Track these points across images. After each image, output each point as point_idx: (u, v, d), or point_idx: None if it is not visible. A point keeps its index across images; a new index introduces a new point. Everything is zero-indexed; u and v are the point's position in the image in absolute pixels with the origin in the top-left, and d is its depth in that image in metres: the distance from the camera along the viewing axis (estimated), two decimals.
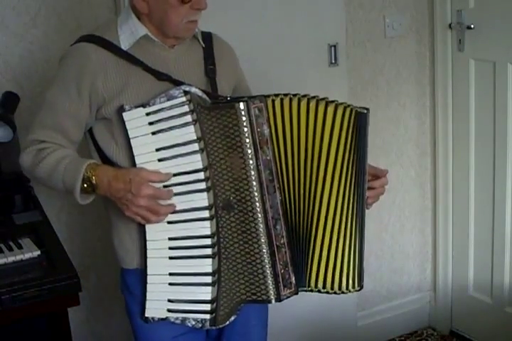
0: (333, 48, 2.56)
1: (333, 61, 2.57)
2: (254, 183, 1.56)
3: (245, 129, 1.54)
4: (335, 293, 1.67)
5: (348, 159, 1.59)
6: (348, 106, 1.57)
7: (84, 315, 2.47)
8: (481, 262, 2.81)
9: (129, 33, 1.64)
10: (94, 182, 1.56)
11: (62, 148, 1.63)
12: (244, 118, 1.53)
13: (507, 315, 2.72)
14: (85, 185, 1.56)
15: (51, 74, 2.22)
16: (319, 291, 1.67)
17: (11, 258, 1.72)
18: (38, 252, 1.75)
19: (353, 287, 1.67)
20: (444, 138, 2.86)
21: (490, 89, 2.60)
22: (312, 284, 1.67)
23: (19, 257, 1.72)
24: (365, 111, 1.58)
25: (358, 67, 2.73)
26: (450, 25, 2.71)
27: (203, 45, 1.75)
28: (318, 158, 1.59)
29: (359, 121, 1.57)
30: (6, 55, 2.19)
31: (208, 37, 1.79)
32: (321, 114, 1.57)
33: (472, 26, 2.62)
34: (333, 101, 1.58)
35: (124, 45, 1.63)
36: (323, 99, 1.59)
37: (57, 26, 2.22)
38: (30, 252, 1.74)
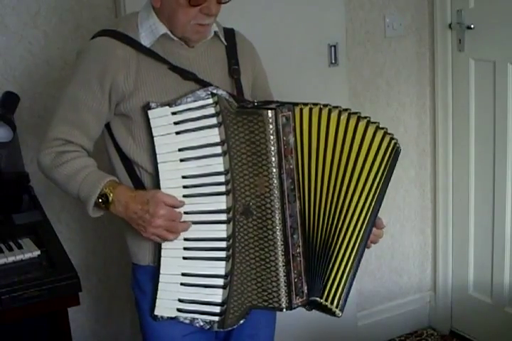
0: (333, 48, 2.56)
1: (333, 61, 2.57)
2: (276, 191, 1.55)
3: (271, 137, 1.52)
4: (326, 309, 1.61)
5: (377, 184, 1.60)
6: (382, 129, 1.60)
7: (84, 315, 2.47)
8: (481, 262, 2.81)
9: (149, 31, 1.63)
10: (110, 199, 1.56)
11: (84, 155, 1.62)
12: (271, 126, 1.52)
13: (507, 315, 2.72)
14: (100, 200, 1.56)
15: (51, 75, 2.22)
16: (320, 304, 1.62)
17: (11, 258, 1.72)
18: (38, 252, 1.75)
19: (337, 306, 1.61)
20: (444, 138, 2.86)
21: (490, 89, 2.60)
22: (323, 296, 1.62)
23: (19, 257, 1.72)
24: (399, 147, 1.62)
25: (358, 67, 2.73)
26: (450, 25, 2.71)
27: (225, 43, 1.74)
28: (347, 173, 1.59)
29: (395, 153, 1.61)
30: (6, 55, 2.19)
31: (230, 34, 1.77)
32: (359, 132, 1.58)
33: (472, 26, 2.62)
34: (365, 118, 1.59)
35: (145, 43, 1.62)
36: (355, 113, 1.59)
37: (57, 26, 2.22)
38: (30, 252, 1.74)
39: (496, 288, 2.75)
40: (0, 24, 2.16)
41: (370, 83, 2.77)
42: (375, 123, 1.59)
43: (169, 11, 1.60)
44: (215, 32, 1.70)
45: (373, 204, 1.61)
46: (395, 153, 1.61)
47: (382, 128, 1.60)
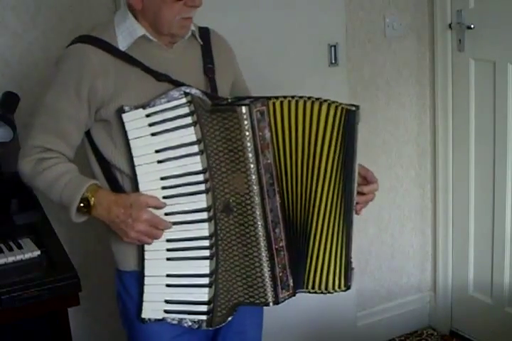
0: (333, 48, 2.56)
1: (333, 61, 2.57)
2: (255, 187, 1.56)
3: (247, 133, 1.53)
4: (322, 292, 1.69)
5: (338, 159, 1.59)
6: (340, 104, 1.57)
7: (85, 315, 2.47)
8: (481, 262, 2.81)
9: (127, 33, 1.62)
10: (92, 203, 1.56)
11: (65, 161, 1.62)
12: (246, 122, 1.53)
13: (507, 315, 2.72)
14: (82, 205, 1.56)
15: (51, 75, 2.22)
16: (309, 292, 1.69)
17: (11, 258, 1.72)
18: (38, 252, 1.75)
19: (339, 287, 1.69)
20: (444, 138, 2.86)
21: (490, 89, 2.60)
22: (308, 286, 1.68)
23: (19, 257, 1.72)
24: (354, 109, 1.57)
25: (358, 67, 2.73)
26: (450, 25, 2.71)
27: (201, 43, 1.74)
28: (313, 159, 1.60)
29: (347, 119, 1.57)
30: (6, 55, 2.19)
31: (205, 33, 1.77)
32: (315, 114, 1.57)
33: (472, 26, 2.62)
34: (326, 101, 1.57)
35: (122, 46, 1.62)
36: (318, 99, 1.58)
37: (57, 26, 2.22)
38: (30, 252, 1.74)
39: (495, 288, 2.75)
40: (0, 24, 2.16)
41: (370, 83, 2.77)
42: (334, 102, 1.57)
43: (153, 10, 1.59)
44: (192, 31, 1.70)
45: (339, 178, 1.60)
46: (347, 116, 1.57)
47: (334, 102, 1.57)
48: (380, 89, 2.80)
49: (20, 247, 1.77)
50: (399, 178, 2.92)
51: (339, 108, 1.57)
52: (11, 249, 1.76)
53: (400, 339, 3.04)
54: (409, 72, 2.85)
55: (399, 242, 3.00)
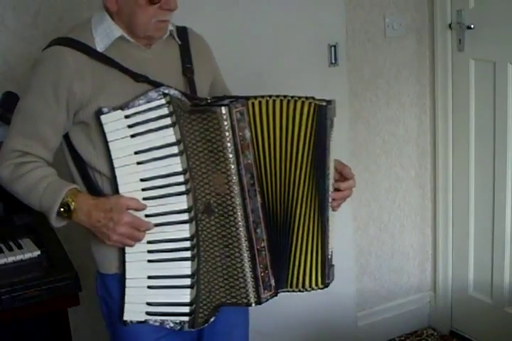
0: (333, 48, 2.56)
1: (333, 61, 2.57)
2: (236, 188, 1.55)
3: (227, 134, 1.52)
4: (300, 291, 1.68)
5: (310, 155, 1.59)
6: (313, 100, 1.57)
7: (84, 315, 2.47)
8: (481, 262, 2.81)
9: (104, 34, 1.60)
10: (72, 208, 1.55)
11: (43, 165, 1.61)
12: (226, 123, 1.51)
13: (507, 315, 2.72)
14: (62, 209, 1.55)
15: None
16: (288, 291, 1.68)
17: (11, 258, 1.72)
18: (38, 252, 1.75)
19: (316, 285, 1.68)
20: (444, 138, 2.86)
21: (490, 89, 2.60)
22: (290, 285, 1.68)
23: (19, 257, 1.73)
24: (325, 104, 1.57)
25: (358, 67, 2.73)
26: (450, 25, 2.71)
27: (179, 42, 1.72)
28: (290, 158, 1.59)
29: (319, 115, 1.57)
30: (6, 55, 2.19)
31: (183, 32, 1.75)
32: (291, 112, 1.57)
33: (472, 26, 2.62)
34: (300, 98, 1.57)
35: (100, 47, 1.60)
36: (293, 97, 1.57)
37: (57, 26, 2.22)
38: (30, 252, 1.74)
39: (495, 288, 2.75)
40: (0, 24, 2.16)
41: (370, 83, 2.77)
42: (308, 98, 1.57)
43: (128, 13, 1.58)
44: (170, 31, 1.68)
45: (312, 175, 1.60)
46: (318, 111, 1.57)
47: (312, 100, 1.57)
48: (380, 89, 2.80)
49: (20, 247, 1.77)
50: (399, 178, 2.92)
51: (312, 104, 1.56)
52: (11, 249, 1.76)
53: (400, 339, 3.04)
54: (409, 72, 2.85)
55: (399, 242, 3.00)
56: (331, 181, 1.64)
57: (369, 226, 2.90)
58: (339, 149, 2.68)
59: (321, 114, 1.57)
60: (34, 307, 1.65)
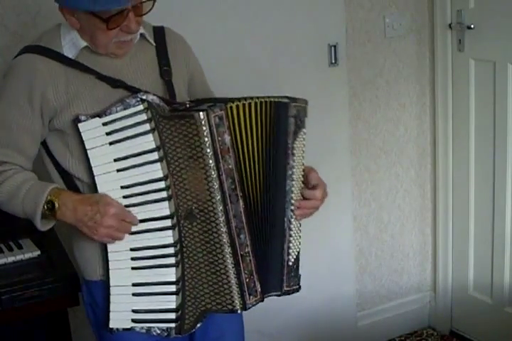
0: (333, 48, 2.56)
1: (333, 61, 2.57)
2: (217, 194, 1.53)
3: (206, 139, 1.50)
4: (283, 294, 1.67)
5: (267, 154, 1.59)
6: (274, 99, 1.57)
7: (84, 315, 2.47)
8: (481, 262, 2.81)
9: (71, 43, 1.59)
10: (56, 205, 1.53)
11: (22, 170, 1.60)
12: (204, 128, 1.50)
13: (507, 315, 2.72)
14: (46, 208, 1.54)
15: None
16: (274, 295, 1.67)
17: (11, 258, 1.72)
18: (38, 252, 1.75)
19: (275, 290, 1.67)
20: (444, 138, 2.86)
21: (490, 89, 2.60)
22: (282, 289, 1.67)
23: (19, 257, 1.73)
24: (286, 101, 1.57)
25: (358, 67, 2.73)
26: (450, 25, 2.71)
27: (154, 44, 1.69)
28: (268, 160, 1.60)
29: (277, 112, 1.57)
30: (6, 55, 2.18)
31: (160, 32, 1.72)
32: (263, 114, 1.57)
33: (472, 26, 2.61)
34: (272, 98, 1.57)
35: (69, 56, 1.58)
36: (269, 97, 1.57)
37: None
38: (30, 252, 1.75)
39: (495, 288, 2.75)
40: (0, 24, 2.16)
41: (370, 83, 2.77)
42: (276, 98, 1.58)
43: (90, 33, 1.56)
44: (142, 34, 1.65)
45: (271, 170, 1.60)
46: (275, 108, 1.57)
47: (277, 99, 1.58)
48: (380, 89, 2.80)
49: (20, 247, 1.78)
50: (399, 178, 2.92)
51: (273, 103, 1.57)
52: (11, 249, 1.76)
53: (400, 339, 3.04)
54: (409, 71, 2.84)
55: (399, 242, 3.00)
56: (295, 183, 1.63)
57: (369, 226, 2.90)
58: (339, 149, 2.71)
59: (280, 112, 1.57)
60: (34, 307, 1.65)
